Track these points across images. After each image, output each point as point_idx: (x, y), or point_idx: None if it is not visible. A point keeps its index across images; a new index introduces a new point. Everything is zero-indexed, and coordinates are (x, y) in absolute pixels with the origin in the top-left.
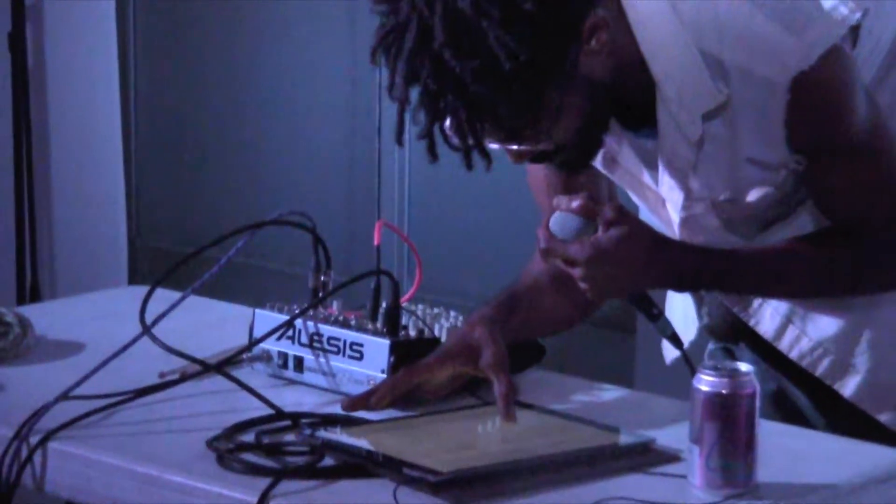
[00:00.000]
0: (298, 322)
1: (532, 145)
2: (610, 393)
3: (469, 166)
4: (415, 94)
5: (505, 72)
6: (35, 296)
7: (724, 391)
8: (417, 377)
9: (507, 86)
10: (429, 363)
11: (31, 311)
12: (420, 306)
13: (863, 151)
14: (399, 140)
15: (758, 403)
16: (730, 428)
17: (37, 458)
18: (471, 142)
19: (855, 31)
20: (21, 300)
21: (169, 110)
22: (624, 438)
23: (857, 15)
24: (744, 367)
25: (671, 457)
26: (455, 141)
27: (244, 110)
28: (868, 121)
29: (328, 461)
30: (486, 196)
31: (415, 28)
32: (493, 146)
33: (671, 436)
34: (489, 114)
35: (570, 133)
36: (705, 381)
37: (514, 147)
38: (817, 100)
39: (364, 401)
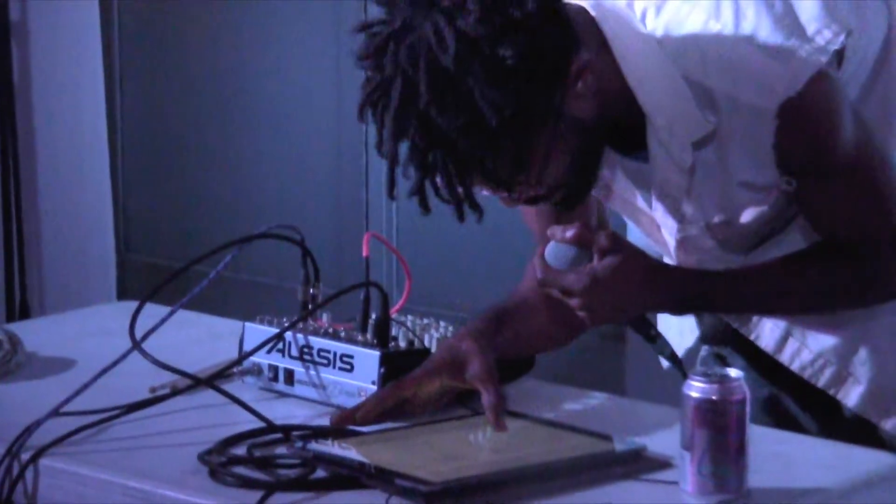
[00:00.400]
0: (288, 335)
1: (523, 192)
2: (601, 401)
3: (461, 218)
4: (403, 150)
5: (492, 127)
6: (24, 313)
7: (714, 397)
8: (405, 391)
9: (494, 140)
10: (416, 377)
11: (20, 328)
12: (410, 317)
13: (852, 170)
14: (391, 195)
15: (748, 409)
16: (720, 434)
17: (28, 474)
18: (461, 195)
19: (839, 51)
20: (10, 317)
21: (156, 124)
22: (615, 446)
23: (841, 38)
24: (734, 372)
25: (663, 463)
26: (446, 194)
27: (232, 124)
28: (856, 140)
29: (320, 473)
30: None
31: (400, 85)
32: (486, 193)
33: (663, 442)
34: (478, 167)
35: (560, 175)
36: (695, 388)
37: (506, 194)
38: (805, 124)
39: (351, 416)
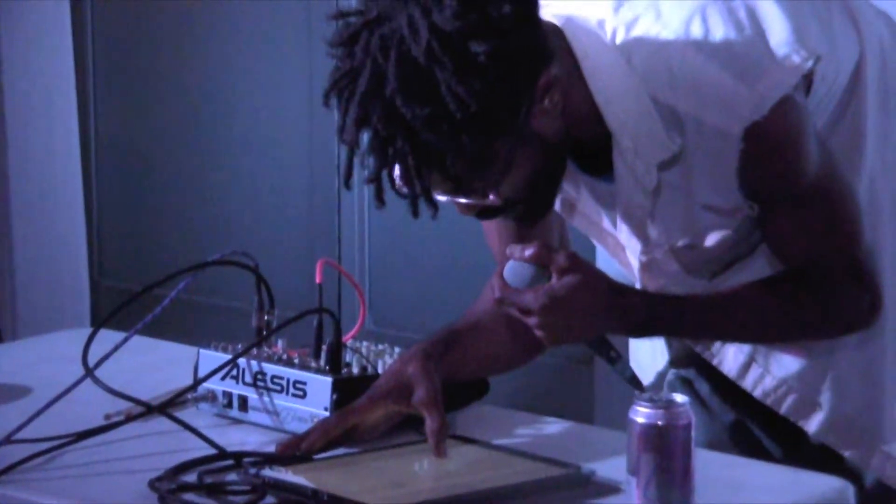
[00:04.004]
0: (242, 361)
1: (480, 199)
2: (553, 426)
3: (416, 214)
4: (365, 138)
5: (455, 121)
6: None
7: (659, 422)
8: (350, 419)
9: (456, 135)
10: (361, 404)
11: None
12: (365, 343)
13: (814, 198)
14: (347, 183)
15: (693, 434)
16: (666, 458)
17: None
18: (418, 189)
19: (808, 76)
20: None
21: (131, 150)
22: (564, 471)
23: (810, 63)
24: (679, 398)
25: (611, 488)
26: (403, 188)
27: (206, 150)
28: (819, 167)
29: (269, 500)
30: (450, 227)
31: (368, 73)
32: (442, 198)
33: (612, 467)
34: (437, 162)
35: (519, 188)
36: (641, 413)
37: (462, 200)
38: (769, 149)
39: (297, 444)
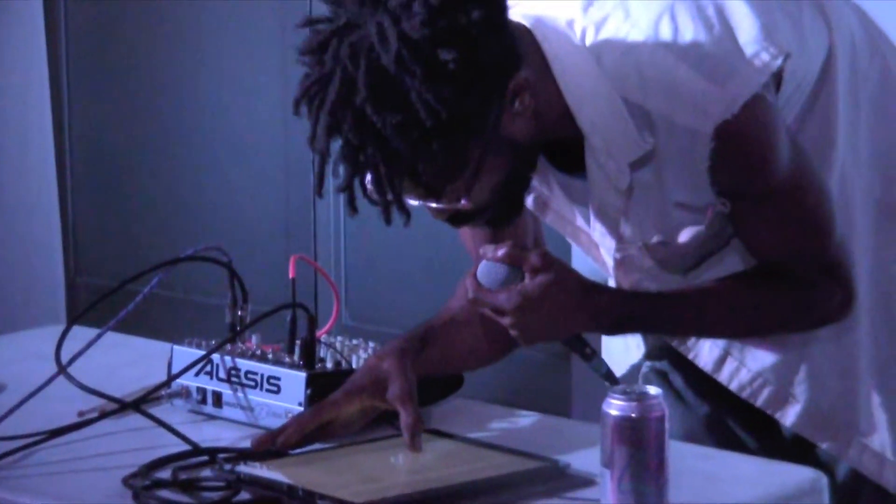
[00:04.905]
0: (216, 357)
1: (451, 203)
2: (527, 419)
3: (388, 221)
4: (336, 146)
5: (426, 128)
6: None
7: (633, 415)
8: (325, 414)
9: (427, 142)
10: (336, 399)
11: None
12: (339, 338)
13: (786, 194)
14: (319, 192)
15: (667, 426)
16: (640, 451)
17: None
18: (390, 197)
19: (778, 74)
20: None
21: (105, 146)
22: (539, 464)
23: (779, 61)
24: (652, 390)
25: (586, 481)
26: (374, 195)
27: (181, 147)
28: (790, 165)
29: (244, 495)
30: (424, 223)
31: (338, 81)
32: (413, 203)
33: (586, 460)
34: (409, 169)
35: (490, 192)
36: (614, 406)
37: (434, 205)
38: (740, 148)
39: (272, 440)
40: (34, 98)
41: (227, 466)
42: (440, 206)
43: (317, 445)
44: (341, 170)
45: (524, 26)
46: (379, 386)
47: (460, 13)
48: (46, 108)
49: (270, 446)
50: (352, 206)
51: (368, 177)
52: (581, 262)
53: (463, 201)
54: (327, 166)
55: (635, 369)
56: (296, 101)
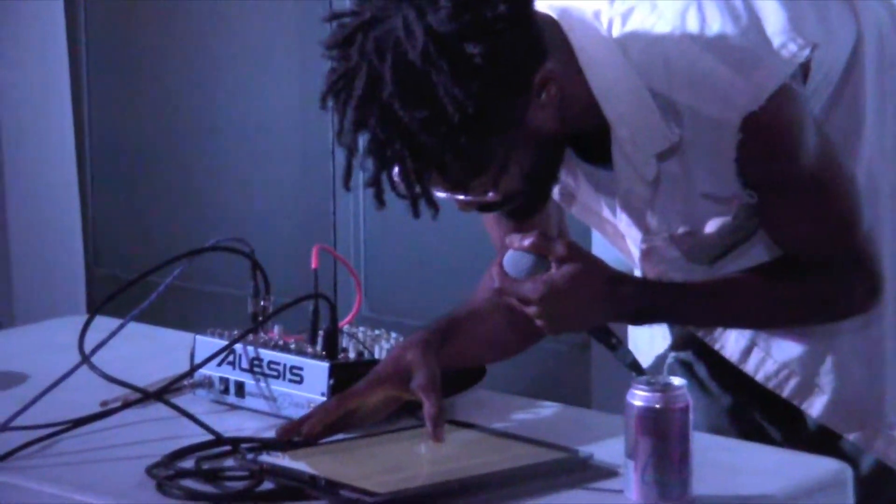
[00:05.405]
0: (239, 347)
1: (479, 195)
2: (549, 410)
3: (416, 214)
4: (363, 140)
5: (453, 123)
6: None
7: (657, 406)
8: (349, 403)
9: (454, 137)
10: (360, 389)
11: None
12: (361, 329)
13: (813, 185)
14: (347, 186)
15: (691, 417)
16: (663, 442)
17: None
18: (417, 191)
19: (805, 64)
20: None
21: (125, 137)
22: (561, 455)
23: (806, 52)
24: (677, 381)
25: (609, 472)
26: (402, 189)
27: (200, 138)
28: (818, 156)
29: (267, 485)
30: (446, 212)
31: (364, 76)
32: (441, 195)
33: (610, 450)
34: (436, 163)
35: (517, 184)
36: (638, 396)
37: (462, 197)
38: (767, 139)
39: (296, 428)
40: (55, 93)
41: (250, 456)
42: (468, 198)
43: (340, 435)
44: (368, 164)
45: (550, 17)
46: (403, 376)
47: (486, 7)
48: (67, 102)
49: (295, 435)
50: (379, 199)
51: (396, 170)
52: (603, 252)
53: (490, 194)
54: (355, 160)
55: (660, 360)
56: (322, 95)
